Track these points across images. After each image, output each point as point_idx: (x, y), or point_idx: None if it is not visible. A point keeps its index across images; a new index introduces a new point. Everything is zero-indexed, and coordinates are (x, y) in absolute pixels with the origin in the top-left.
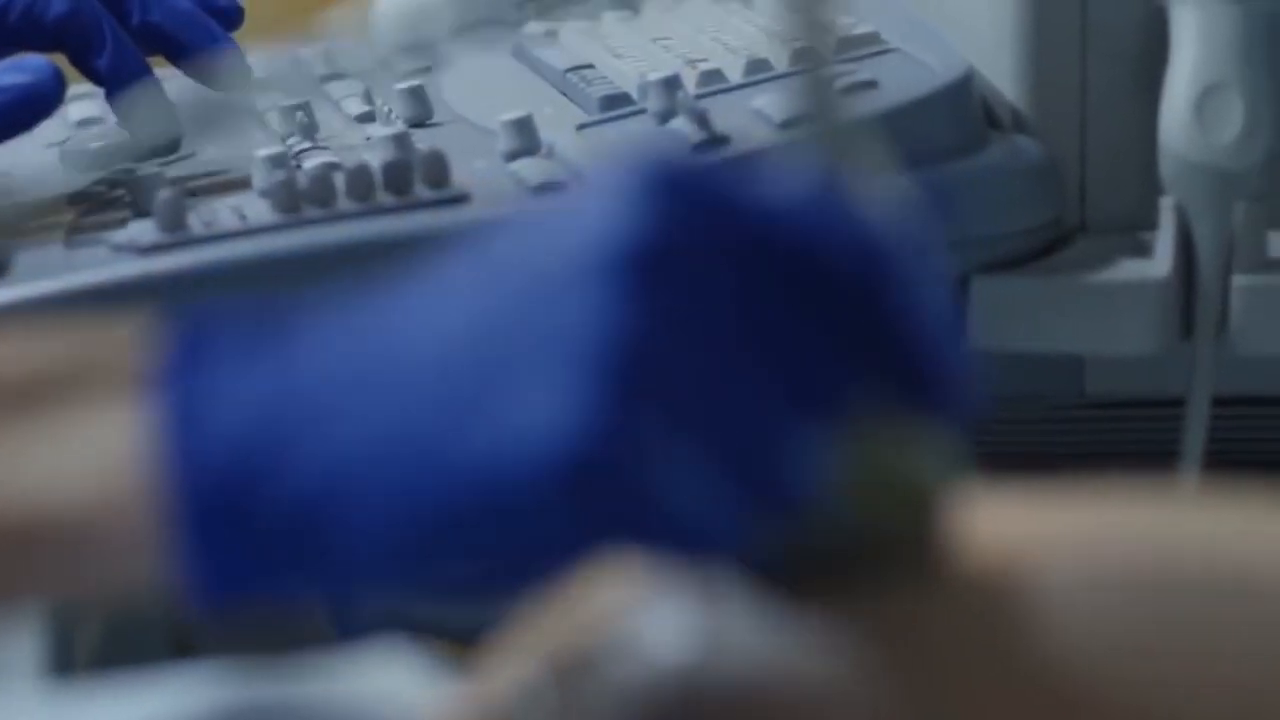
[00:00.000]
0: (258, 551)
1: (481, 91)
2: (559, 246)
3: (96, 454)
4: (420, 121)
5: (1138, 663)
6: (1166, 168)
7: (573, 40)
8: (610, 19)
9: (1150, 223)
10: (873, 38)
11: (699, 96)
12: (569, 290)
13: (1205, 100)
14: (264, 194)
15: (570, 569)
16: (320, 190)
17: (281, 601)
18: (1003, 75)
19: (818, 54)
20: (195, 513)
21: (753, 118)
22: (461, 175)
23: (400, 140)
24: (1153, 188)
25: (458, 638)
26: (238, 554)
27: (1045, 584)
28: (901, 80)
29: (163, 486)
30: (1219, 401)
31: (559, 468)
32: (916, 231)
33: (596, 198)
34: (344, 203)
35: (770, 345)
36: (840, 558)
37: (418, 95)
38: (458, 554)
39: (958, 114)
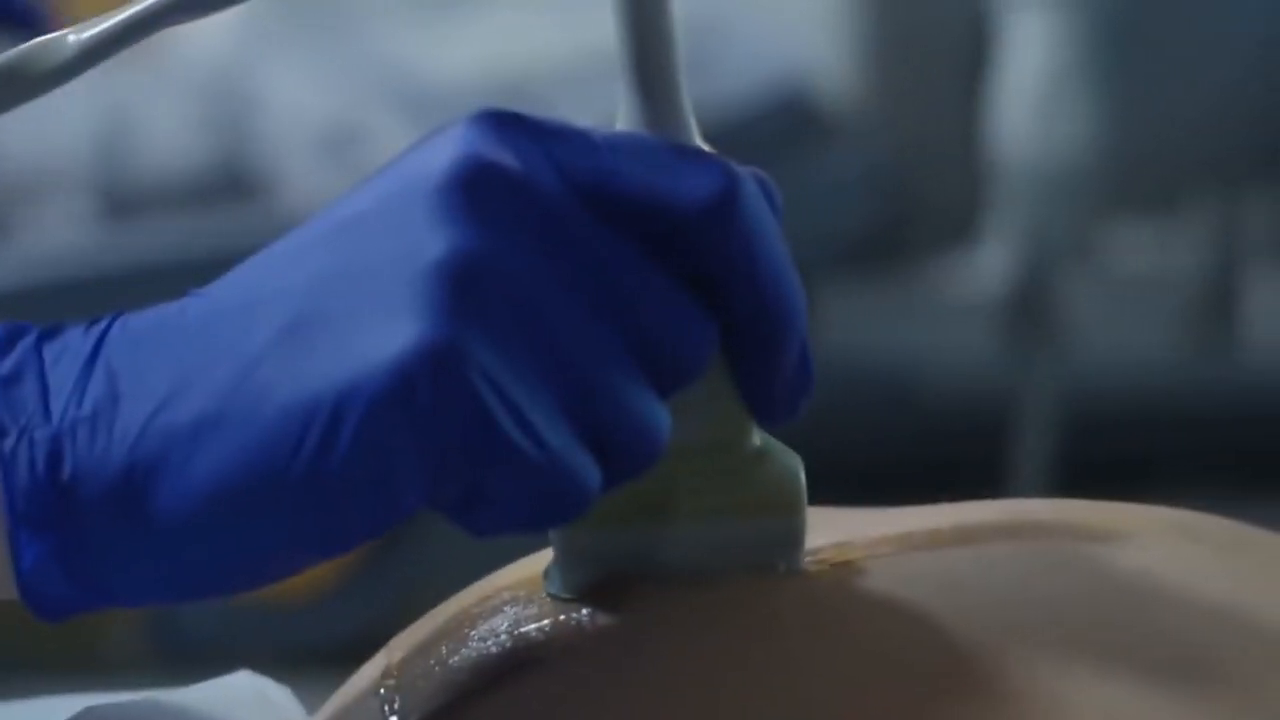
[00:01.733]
0: (82, 534)
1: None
2: (392, 184)
3: None
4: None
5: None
6: (1001, 172)
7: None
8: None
9: (982, 228)
10: (701, 37)
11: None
12: (399, 219)
13: (1045, 104)
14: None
15: (402, 496)
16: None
17: (117, 592)
18: (831, 78)
19: (654, 55)
20: (18, 506)
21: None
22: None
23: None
24: (984, 192)
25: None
26: (64, 539)
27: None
28: (728, 81)
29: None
30: (1064, 412)
31: (386, 382)
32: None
33: (430, 139)
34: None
35: (600, 280)
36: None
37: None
38: (285, 495)
39: (784, 116)
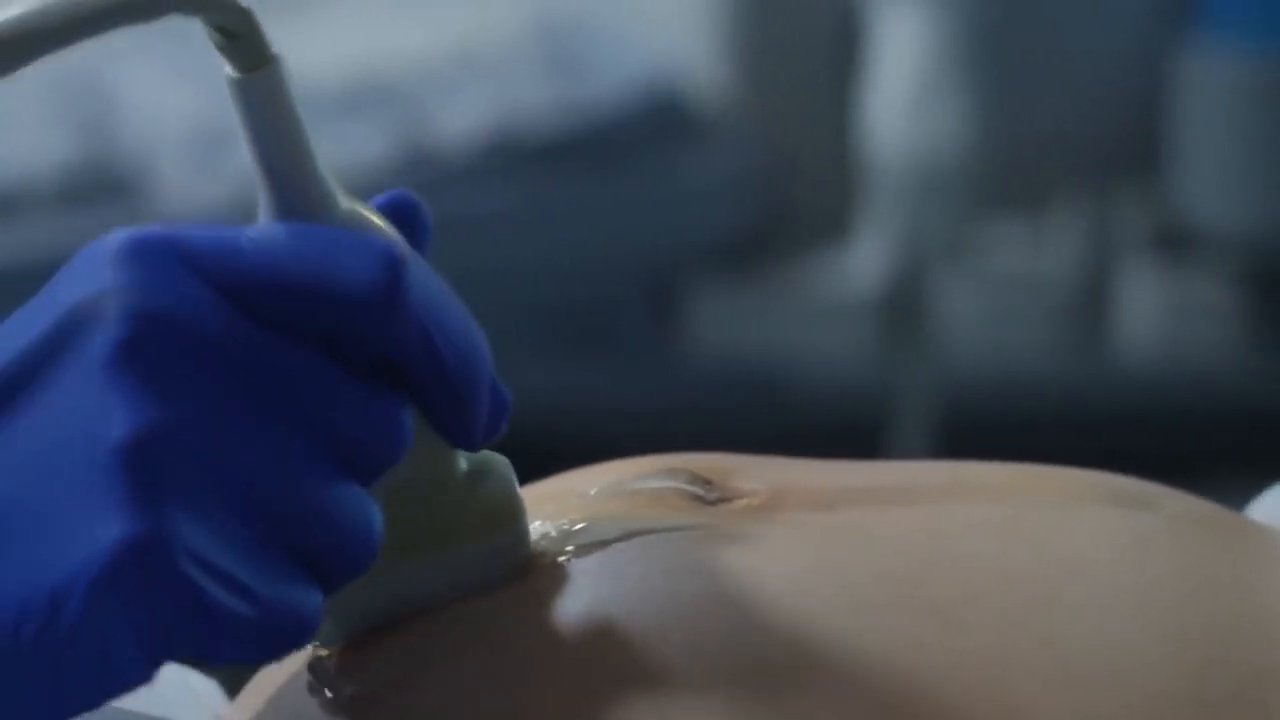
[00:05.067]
0: None
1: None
2: (58, 349)
3: None
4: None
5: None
6: (874, 171)
7: None
8: None
9: (855, 227)
10: (570, 38)
11: None
12: (75, 397)
13: (917, 103)
14: None
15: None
16: None
17: None
18: (702, 78)
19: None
20: None
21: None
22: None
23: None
24: (857, 192)
25: None
26: None
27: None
28: (598, 82)
29: None
30: (938, 411)
31: (96, 575)
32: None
33: (78, 280)
34: None
35: (283, 397)
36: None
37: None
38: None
39: (655, 117)
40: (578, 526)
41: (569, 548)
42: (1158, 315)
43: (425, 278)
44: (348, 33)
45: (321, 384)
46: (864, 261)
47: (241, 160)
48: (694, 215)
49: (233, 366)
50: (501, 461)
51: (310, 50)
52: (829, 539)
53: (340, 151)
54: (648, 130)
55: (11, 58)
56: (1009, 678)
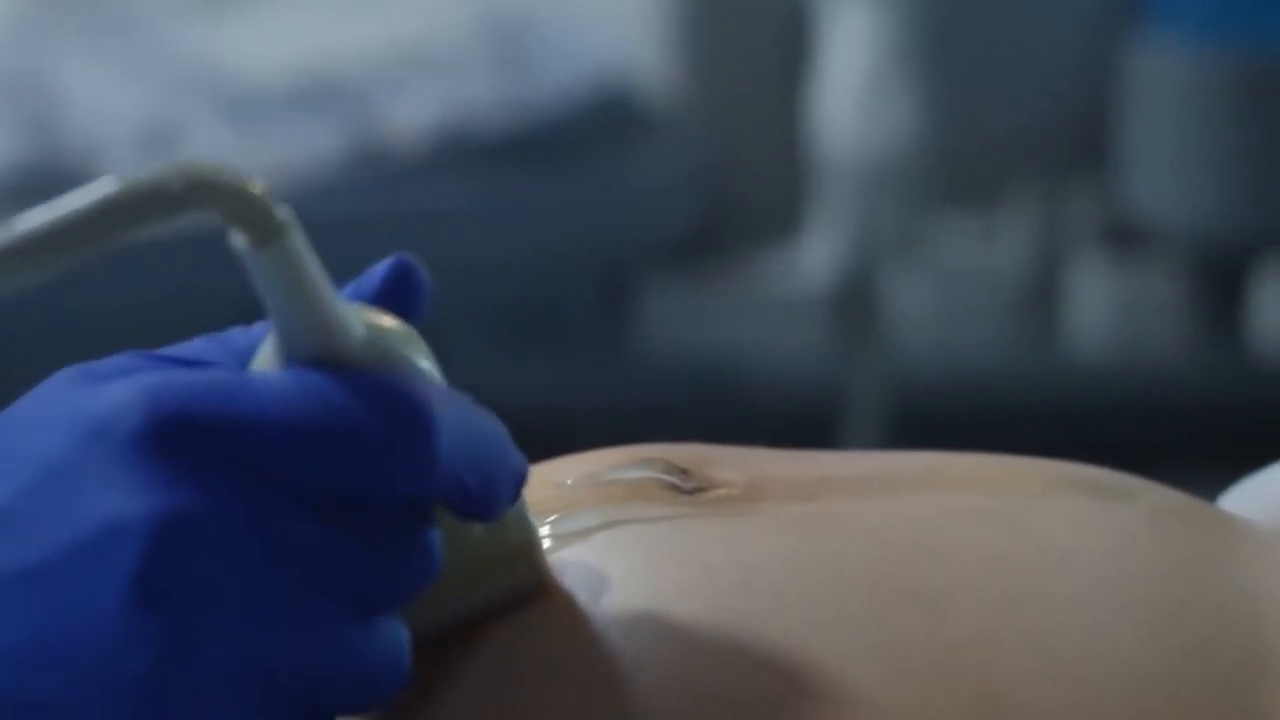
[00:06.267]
0: None
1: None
2: (76, 564)
3: None
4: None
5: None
6: (824, 167)
7: None
8: None
9: (806, 224)
10: (519, 35)
11: None
12: (96, 620)
13: (866, 99)
14: None
15: None
16: None
17: None
18: (650, 75)
19: None
20: None
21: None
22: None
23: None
24: (807, 188)
25: None
26: None
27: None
28: (547, 80)
29: None
30: (890, 407)
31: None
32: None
33: (92, 490)
34: None
35: (296, 564)
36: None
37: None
38: None
39: (604, 114)
40: (554, 517)
41: (549, 539)
42: (1108, 310)
43: (453, 410)
44: (297, 30)
45: (343, 550)
46: (815, 257)
47: (188, 156)
48: (645, 212)
49: (251, 563)
50: (530, 527)
51: (260, 47)
52: (811, 528)
53: (291, 149)
54: (598, 127)
55: (30, 268)
56: (997, 667)
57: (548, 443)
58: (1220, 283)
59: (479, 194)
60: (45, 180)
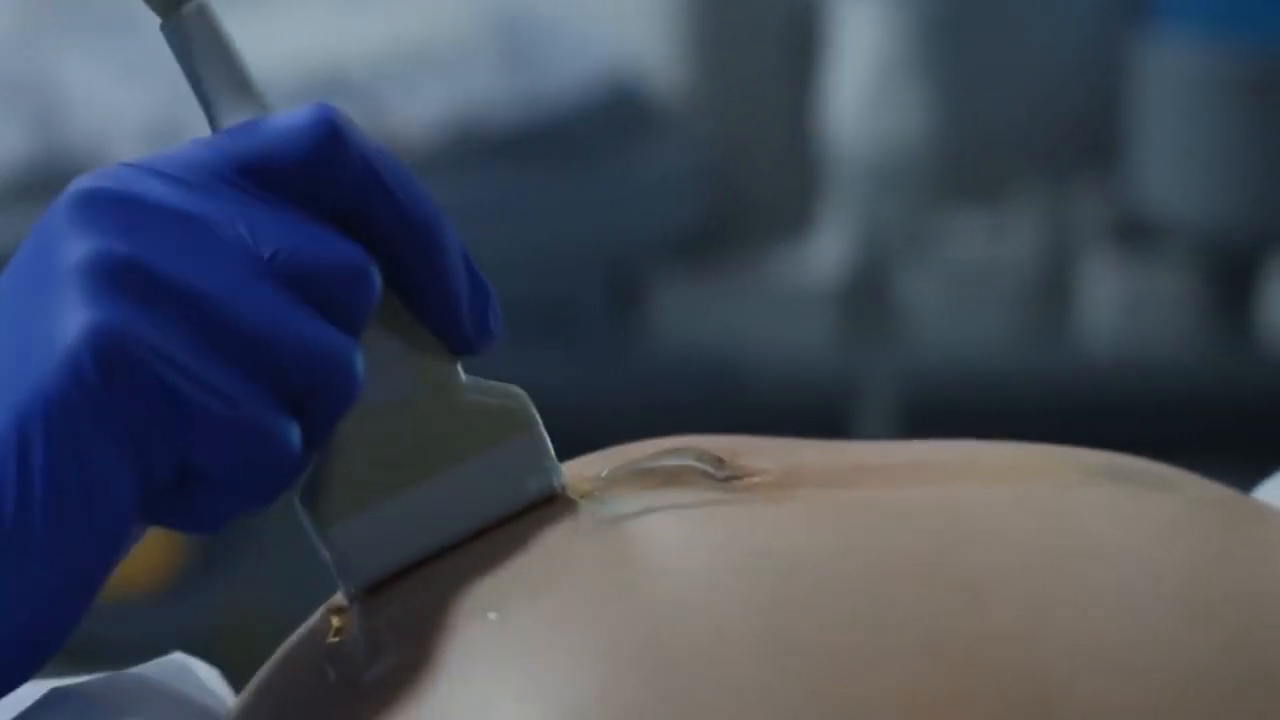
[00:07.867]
0: None
1: None
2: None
3: None
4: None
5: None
6: (834, 163)
7: None
8: None
9: (816, 219)
10: (527, 31)
11: None
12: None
13: (876, 95)
14: None
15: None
16: None
17: None
18: (659, 71)
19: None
20: None
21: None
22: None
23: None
24: (817, 183)
25: None
26: None
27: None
28: (555, 76)
29: None
30: (901, 401)
31: (58, 380)
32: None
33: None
34: None
35: (239, 229)
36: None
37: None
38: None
39: (612, 110)
40: (590, 502)
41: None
42: (1117, 305)
43: (363, 135)
44: (305, 27)
45: (282, 222)
46: (824, 253)
47: None
48: (654, 208)
49: (189, 215)
50: (511, 387)
51: (267, 45)
52: (849, 514)
53: None
54: (607, 124)
55: None
56: (1038, 657)
57: (559, 438)
58: (1229, 278)
59: (488, 190)
60: (49, 178)
